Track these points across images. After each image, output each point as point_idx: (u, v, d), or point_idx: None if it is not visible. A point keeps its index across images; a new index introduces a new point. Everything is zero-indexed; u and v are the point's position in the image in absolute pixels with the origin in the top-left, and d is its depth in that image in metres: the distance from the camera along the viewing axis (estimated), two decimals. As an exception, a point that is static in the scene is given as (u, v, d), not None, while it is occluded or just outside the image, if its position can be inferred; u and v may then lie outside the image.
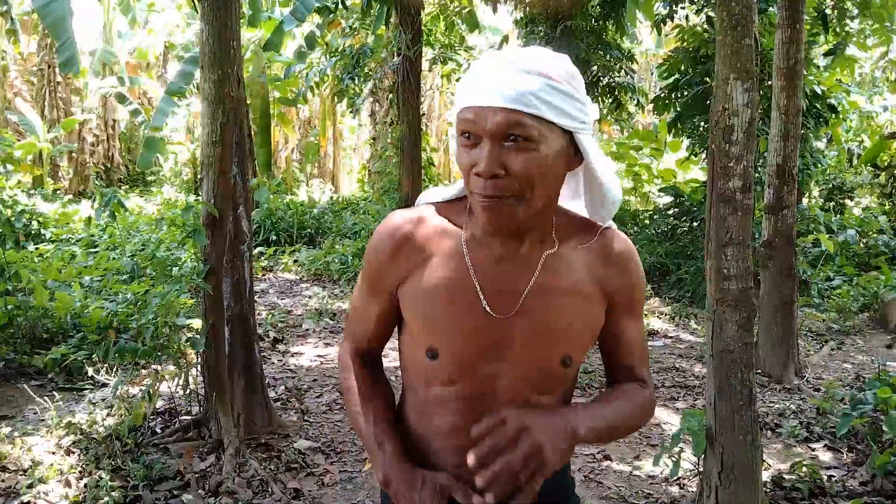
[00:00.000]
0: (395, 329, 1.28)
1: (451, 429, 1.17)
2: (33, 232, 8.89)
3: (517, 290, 1.13)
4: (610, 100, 11.11)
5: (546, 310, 1.12)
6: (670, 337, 6.54)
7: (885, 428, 3.47)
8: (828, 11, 7.06)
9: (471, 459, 1.00)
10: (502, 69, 1.03)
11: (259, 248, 9.96)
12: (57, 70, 15.64)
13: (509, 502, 1.01)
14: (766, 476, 3.34)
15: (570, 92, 1.05)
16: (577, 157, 1.11)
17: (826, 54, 8.25)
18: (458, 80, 1.13)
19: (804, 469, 3.39)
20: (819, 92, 8.13)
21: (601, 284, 1.17)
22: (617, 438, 1.20)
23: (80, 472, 3.24)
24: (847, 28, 7.80)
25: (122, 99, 13.79)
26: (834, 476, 3.52)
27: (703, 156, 9.02)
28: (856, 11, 7.67)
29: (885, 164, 11.61)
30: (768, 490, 3.28)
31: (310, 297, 7.69)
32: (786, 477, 3.40)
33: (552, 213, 1.16)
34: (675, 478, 3.46)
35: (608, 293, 1.18)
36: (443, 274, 1.14)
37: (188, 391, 3.89)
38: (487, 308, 1.12)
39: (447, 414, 1.17)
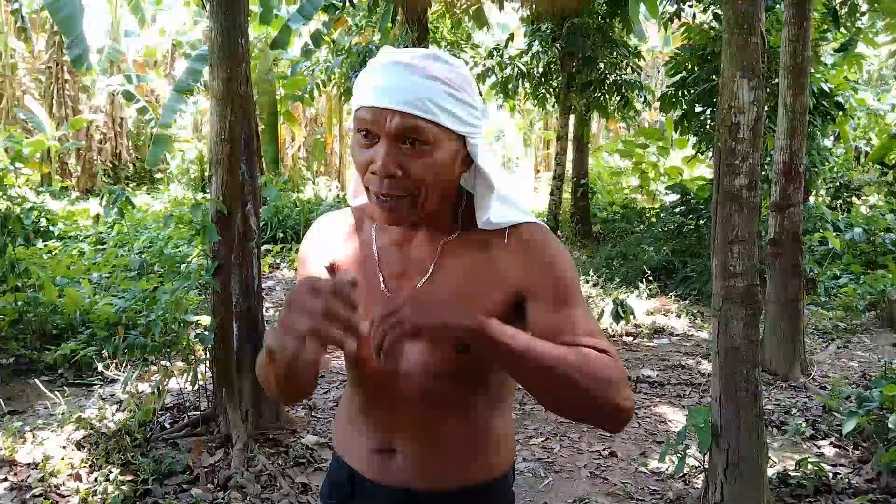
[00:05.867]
0: None
1: (364, 410, 1.23)
2: (42, 229, 8.94)
3: (416, 274, 1.17)
4: (617, 97, 11.11)
5: (441, 294, 1.14)
6: (677, 334, 6.55)
7: (890, 426, 3.47)
8: (837, 7, 7.04)
9: (363, 327, 0.96)
10: (402, 72, 1.05)
11: (266, 246, 10.00)
12: (65, 68, 15.71)
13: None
14: (771, 473, 3.35)
15: (465, 99, 1.08)
16: (469, 159, 1.14)
17: (837, 50, 8.22)
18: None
19: (809, 466, 3.40)
20: (826, 89, 8.11)
21: (510, 279, 1.14)
22: (559, 386, 1.01)
23: (90, 466, 3.27)
24: (858, 23, 7.76)
25: (129, 97, 13.83)
26: (839, 473, 3.53)
27: (710, 153, 9.00)
28: (865, 7, 7.64)
29: (893, 162, 11.56)
30: (773, 487, 3.28)
31: (316, 294, 7.70)
32: (791, 474, 3.41)
33: (450, 203, 1.18)
34: (681, 474, 3.48)
35: (521, 286, 1.13)
36: (354, 259, 1.22)
37: (197, 387, 3.92)
38: (385, 290, 1.17)
39: (361, 397, 1.23)
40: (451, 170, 1.11)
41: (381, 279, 1.18)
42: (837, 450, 3.92)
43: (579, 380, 1.00)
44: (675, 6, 8.37)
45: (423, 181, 1.07)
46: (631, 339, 6.31)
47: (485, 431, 1.20)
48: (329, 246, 1.24)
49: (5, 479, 3.16)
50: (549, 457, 3.77)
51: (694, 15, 8.69)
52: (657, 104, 10.07)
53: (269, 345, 0.95)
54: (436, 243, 1.18)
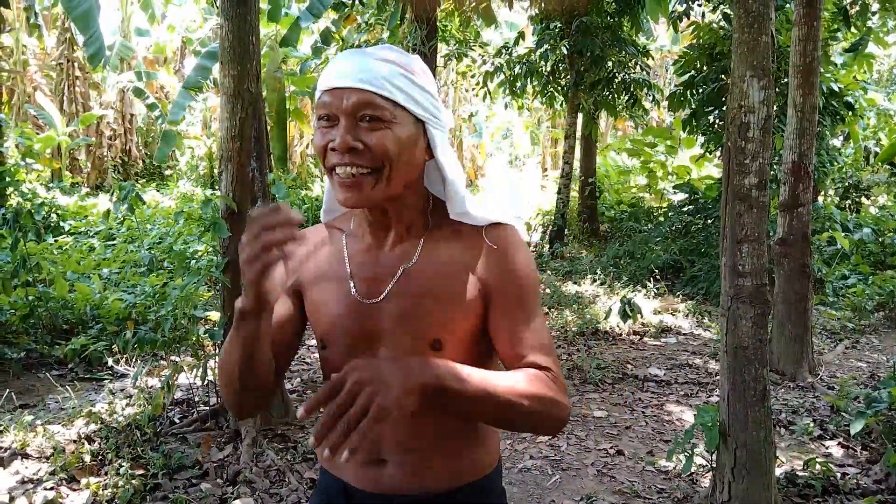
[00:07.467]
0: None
1: None
2: (52, 224, 9.00)
3: (386, 277, 1.18)
4: (625, 96, 11.08)
5: (412, 294, 1.16)
6: (684, 334, 6.54)
7: (899, 426, 3.47)
8: (848, 7, 7.01)
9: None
10: (358, 57, 1.10)
11: (274, 243, 10.01)
12: (76, 65, 15.79)
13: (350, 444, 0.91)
14: (779, 472, 3.35)
15: (420, 83, 1.12)
16: (430, 150, 1.17)
17: (847, 50, 8.19)
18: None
19: (817, 466, 3.40)
20: (836, 89, 8.07)
21: (478, 274, 1.17)
22: (512, 414, 1.07)
23: (100, 460, 3.30)
24: (868, 23, 7.73)
25: (139, 93, 13.90)
26: (847, 474, 3.52)
27: (718, 153, 8.98)
28: (876, 6, 7.61)
29: (903, 162, 11.49)
30: (781, 486, 3.28)
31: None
32: (799, 474, 3.41)
33: (417, 202, 1.20)
34: (688, 473, 3.48)
35: (485, 283, 1.16)
36: (324, 266, 1.22)
37: (206, 382, 3.95)
38: (356, 294, 1.18)
39: None
40: (413, 152, 1.12)
41: (351, 285, 1.18)
42: (845, 450, 3.92)
43: (527, 406, 1.07)
44: (685, 5, 8.35)
45: (386, 154, 1.08)
46: (638, 337, 6.31)
47: (468, 431, 1.21)
48: (297, 258, 1.23)
49: (17, 473, 3.19)
50: (556, 454, 3.78)
51: (703, 14, 8.67)
52: (666, 103, 10.05)
53: (239, 303, 1.04)
54: (405, 245, 1.19)
